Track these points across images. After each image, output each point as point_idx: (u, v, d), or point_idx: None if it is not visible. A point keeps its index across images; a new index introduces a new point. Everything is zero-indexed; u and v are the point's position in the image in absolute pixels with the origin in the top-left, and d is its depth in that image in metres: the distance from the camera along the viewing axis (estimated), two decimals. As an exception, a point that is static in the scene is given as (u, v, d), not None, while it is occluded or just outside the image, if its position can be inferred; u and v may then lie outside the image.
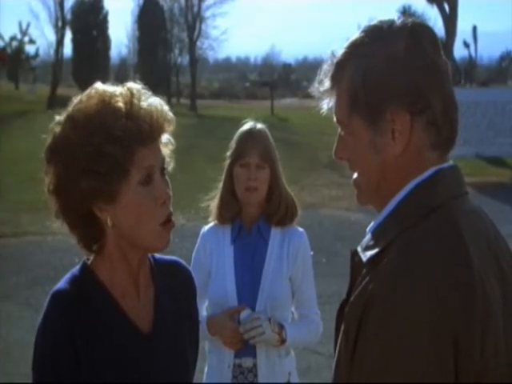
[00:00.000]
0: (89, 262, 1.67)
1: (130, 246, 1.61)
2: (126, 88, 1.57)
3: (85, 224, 1.60)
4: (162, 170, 1.60)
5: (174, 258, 1.85)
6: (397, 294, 1.20)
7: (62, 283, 1.63)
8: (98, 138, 1.50)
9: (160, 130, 1.58)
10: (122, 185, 1.52)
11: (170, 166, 1.65)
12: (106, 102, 1.53)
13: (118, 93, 1.55)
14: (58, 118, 1.58)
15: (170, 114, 1.60)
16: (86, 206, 1.55)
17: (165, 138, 1.61)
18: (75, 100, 1.58)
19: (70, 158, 1.52)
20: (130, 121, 1.51)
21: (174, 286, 1.77)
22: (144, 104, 1.55)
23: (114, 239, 1.61)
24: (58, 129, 1.56)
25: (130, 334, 1.63)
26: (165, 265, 1.78)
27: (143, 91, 1.58)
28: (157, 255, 1.78)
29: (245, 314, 2.71)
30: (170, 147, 1.64)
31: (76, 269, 1.67)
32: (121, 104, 1.53)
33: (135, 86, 1.59)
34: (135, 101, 1.54)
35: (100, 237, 1.62)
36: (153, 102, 1.57)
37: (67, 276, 1.66)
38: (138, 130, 1.51)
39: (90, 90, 1.58)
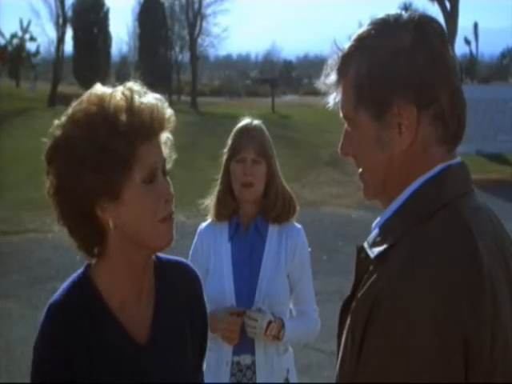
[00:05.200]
0: (91, 268, 1.66)
1: (133, 247, 1.59)
2: (126, 87, 1.59)
3: (86, 226, 1.58)
4: (164, 169, 1.60)
5: (179, 258, 1.82)
6: (405, 293, 1.19)
7: (58, 294, 1.62)
8: (103, 134, 1.50)
9: (161, 126, 1.58)
10: (125, 181, 1.52)
11: (169, 165, 1.65)
12: (106, 101, 1.54)
13: (118, 91, 1.57)
14: (57, 121, 1.58)
15: (170, 111, 1.61)
16: (88, 205, 1.54)
17: (164, 136, 1.62)
18: (75, 102, 1.59)
19: (74, 156, 1.51)
20: (131, 116, 1.52)
21: (177, 285, 1.74)
22: (144, 99, 1.56)
23: (116, 242, 1.59)
24: (58, 131, 1.56)
25: (124, 346, 1.61)
26: (169, 265, 1.76)
27: (143, 89, 1.60)
28: (163, 256, 1.75)
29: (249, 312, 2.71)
30: (169, 144, 1.64)
31: (76, 275, 1.66)
32: (122, 100, 1.54)
33: (134, 85, 1.60)
34: (136, 96, 1.56)
35: (101, 240, 1.61)
36: (153, 98, 1.59)
37: (65, 284, 1.64)
38: (140, 125, 1.52)
39: (90, 91, 1.59)
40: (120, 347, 1.61)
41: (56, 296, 1.62)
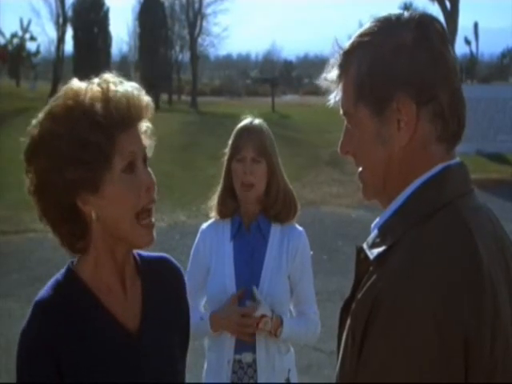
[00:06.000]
0: (73, 264, 1.66)
1: (115, 239, 1.60)
2: (101, 79, 1.60)
3: (68, 221, 1.58)
4: (144, 159, 1.60)
5: (162, 254, 1.82)
6: (405, 293, 1.19)
7: (44, 291, 1.62)
8: (82, 127, 1.50)
9: (139, 114, 1.58)
10: (105, 173, 1.52)
11: (150, 154, 1.64)
12: (82, 94, 1.55)
13: (93, 83, 1.58)
14: (34, 121, 1.58)
15: (148, 98, 1.61)
16: (69, 198, 1.55)
17: (144, 126, 1.62)
18: (52, 99, 1.60)
19: (54, 150, 1.52)
20: (108, 105, 1.53)
21: (162, 282, 1.75)
22: (120, 88, 1.57)
23: (99, 233, 1.60)
24: (36, 129, 1.57)
25: (116, 334, 1.62)
26: (152, 262, 1.76)
27: (118, 79, 1.60)
28: (145, 253, 1.76)
29: (248, 303, 2.72)
30: (149, 134, 1.64)
31: (59, 273, 1.66)
32: (98, 92, 1.55)
33: (110, 75, 1.61)
34: (111, 86, 1.56)
35: (84, 233, 1.61)
36: (129, 86, 1.59)
37: (50, 282, 1.64)
38: (117, 114, 1.53)
39: (66, 86, 1.60)
40: (112, 336, 1.61)
41: (41, 294, 1.62)
